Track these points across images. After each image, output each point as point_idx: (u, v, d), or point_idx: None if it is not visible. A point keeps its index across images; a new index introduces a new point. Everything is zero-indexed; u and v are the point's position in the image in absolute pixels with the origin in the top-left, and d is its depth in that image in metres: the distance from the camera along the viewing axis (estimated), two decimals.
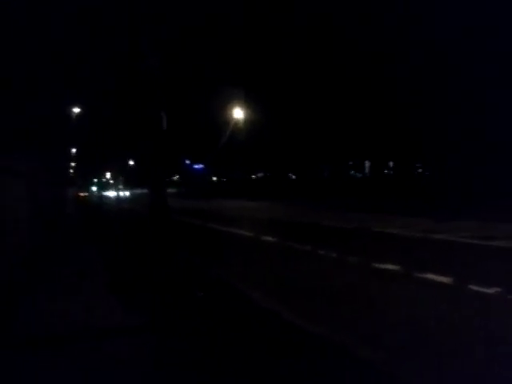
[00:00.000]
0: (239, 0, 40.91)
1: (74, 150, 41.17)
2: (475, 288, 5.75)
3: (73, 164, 42.52)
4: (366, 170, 60.41)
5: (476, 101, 29.72)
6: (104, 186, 74.54)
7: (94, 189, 63.70)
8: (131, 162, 66.76)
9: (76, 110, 35.77)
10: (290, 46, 43.24)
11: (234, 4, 39.77)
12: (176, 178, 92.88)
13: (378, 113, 40.74)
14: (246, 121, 49.05)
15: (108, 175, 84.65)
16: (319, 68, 42.82)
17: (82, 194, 50.08)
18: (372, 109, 41.09)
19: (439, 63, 32.28)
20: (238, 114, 49.51)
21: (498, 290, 5.60)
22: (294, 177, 64.89)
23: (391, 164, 58.68)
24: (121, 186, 58.81)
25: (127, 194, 58.99)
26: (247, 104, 48.25)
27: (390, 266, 7.37)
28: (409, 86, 35.99)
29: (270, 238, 11.83)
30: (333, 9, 37.98)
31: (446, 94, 32.91)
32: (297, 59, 43.95)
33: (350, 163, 60.80)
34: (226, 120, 51.25)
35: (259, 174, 73.06)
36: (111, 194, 56.95)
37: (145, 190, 48.61)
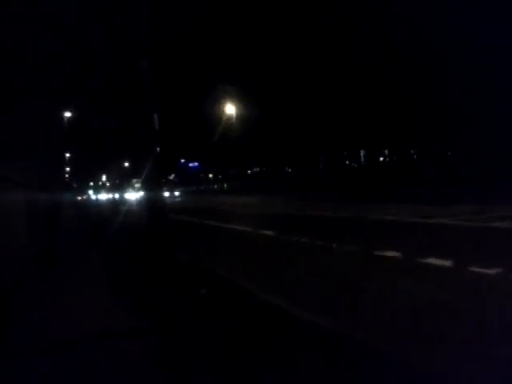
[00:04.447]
0: None
1: (67, 155, 41.18)
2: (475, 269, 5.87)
3: (67, 169, 42.48)
4: (362, 159, 60.52)
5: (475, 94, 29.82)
6: (100, 189, 74.39)
7: (91, 192, 63.48)
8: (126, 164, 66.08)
9: (67, 114, 35.70)
10: (280, 36, 43.18)
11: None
12: (172, 177, 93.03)
13: (371, 99, 40.82)
14: (239, 116, 49.07)
15: (104, 178, 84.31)
16: (310, 57, 42.86)
17: (80, 198, 49.63)
18: (364, 95, 41.14)
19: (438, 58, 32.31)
20: (230, 109, 49.50)
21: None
22: (289, 170, 64.96)
23: (386, 152, 58.81)
24: (138, 186, 55.16)
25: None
26: (239, 99, 48.26)
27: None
28: (402, 73, 36.03)
29: (268, 232, 11.92)
30: (329, 6, 38.03)
31: (445, 79, 32.96)
32: (287, 49, 43.94)
33: (345, 153, 60.94)
34: (219, 116, 51.24)
35: (255, 169, 73.14)
36: (132, 196, 51.75)
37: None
